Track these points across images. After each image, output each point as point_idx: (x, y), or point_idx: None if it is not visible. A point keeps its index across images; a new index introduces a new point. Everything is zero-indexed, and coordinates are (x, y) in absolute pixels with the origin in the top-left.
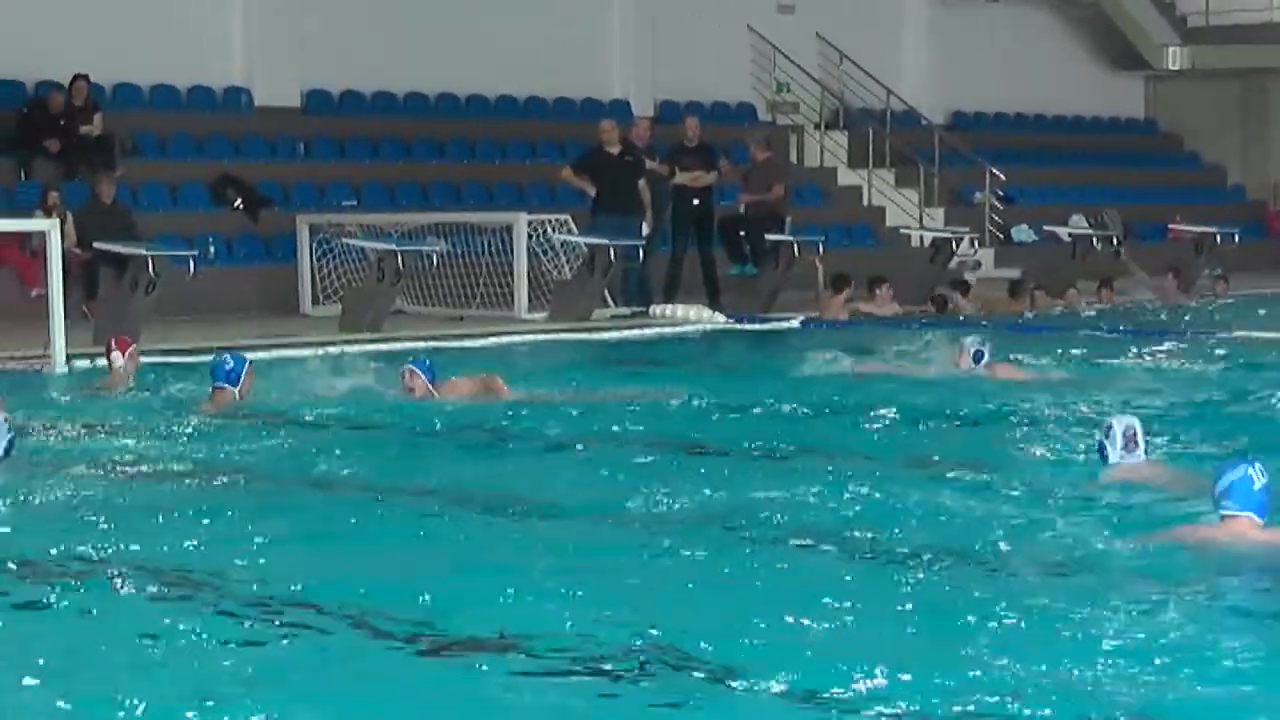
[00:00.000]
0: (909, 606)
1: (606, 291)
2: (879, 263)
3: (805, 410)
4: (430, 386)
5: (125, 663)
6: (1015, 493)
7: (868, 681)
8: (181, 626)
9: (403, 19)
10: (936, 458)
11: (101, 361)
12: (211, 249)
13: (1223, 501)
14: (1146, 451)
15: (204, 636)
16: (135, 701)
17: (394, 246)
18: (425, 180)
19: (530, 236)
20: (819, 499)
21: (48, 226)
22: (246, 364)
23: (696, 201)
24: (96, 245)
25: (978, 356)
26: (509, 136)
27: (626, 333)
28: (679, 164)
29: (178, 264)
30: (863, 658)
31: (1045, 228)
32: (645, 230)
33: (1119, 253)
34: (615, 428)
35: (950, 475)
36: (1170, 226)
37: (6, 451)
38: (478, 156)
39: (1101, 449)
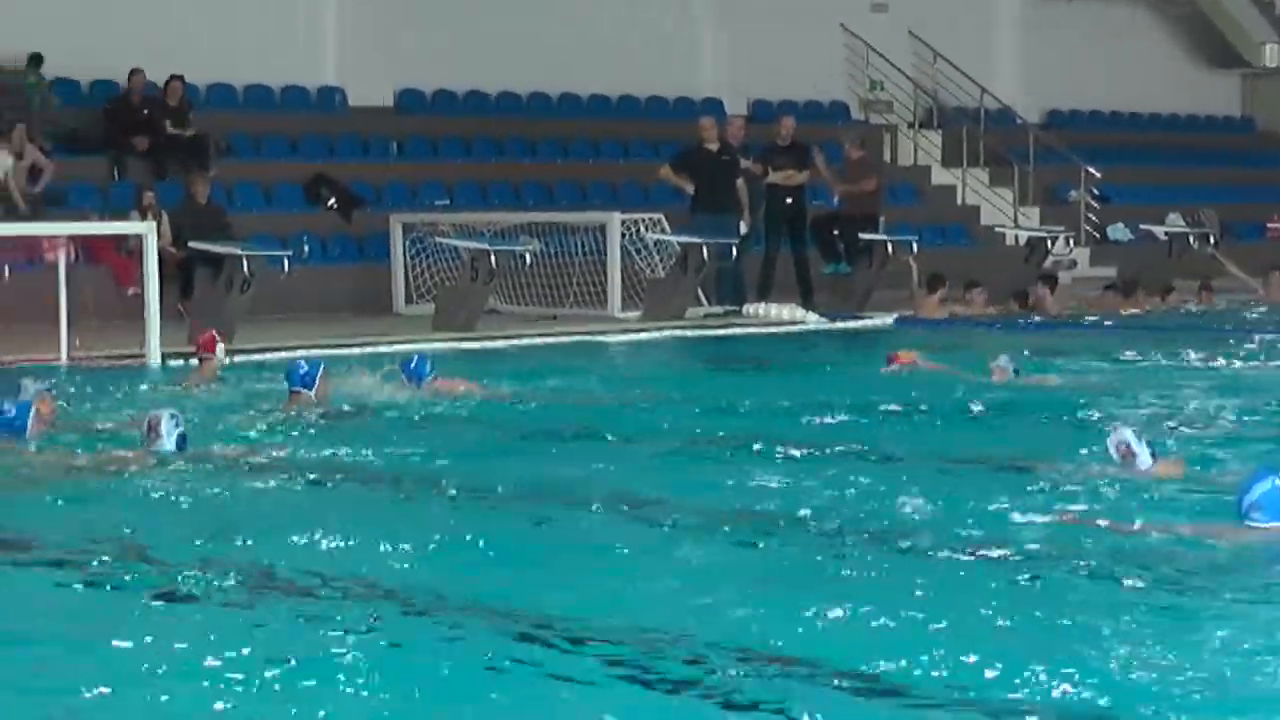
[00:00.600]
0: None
1: (700, 290)
2: (973, 262)
3: (894, 408)
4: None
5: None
6: (1110, 491)
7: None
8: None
9: (495, 18)
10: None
11: (195, 360)
12: (305, 248)
13: (1252, 513)
14: (1154, 453)
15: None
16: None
17: (487, 246)
18: (518, 179)
19: (624, 235)
20: (921, 499)
21: (144, 228)
22: (320, 368)
23: (790, 200)
24: (192, 245)
25: (1015, 374)
26: (602, 135)
27: (719, 331)
28: (772, 163)
29: (272, 263)
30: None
31: (1141, 226)
32: (743, 229)
33: (1215, 252)
34: (703, 427)
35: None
36: (1269, 225)
37: (180, 446)
38: (570, 155)
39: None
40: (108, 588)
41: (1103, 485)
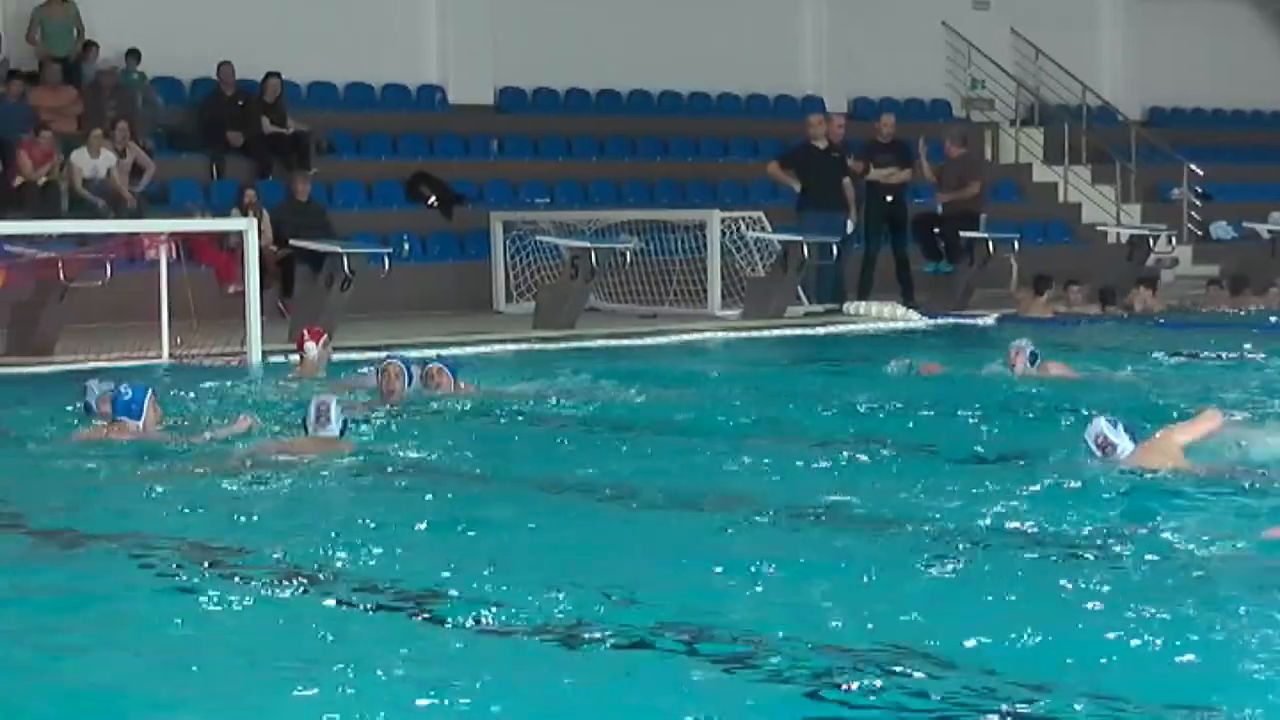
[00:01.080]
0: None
1: (800, 288)
2: (1074, 260)
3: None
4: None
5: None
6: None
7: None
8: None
9: (596, 17)
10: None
11: (295, 357)
12: (406, 246)
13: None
14: (1134, 438)
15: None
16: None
17: (587, 244)
18: (618, 178)
19: (724, 233)
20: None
21: (245, 225)
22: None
23: (890, 199)
24: (292, 243)
25: (1033, 358)
26: (702, 133)
27: (820, 330)
28: (874, 160)
29: (373, 261)
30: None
31: (1244, 224)
32: (849, 227)
33: None
34: (830, 427)
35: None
36: None
37: (342, 433)
38: (670, 154)
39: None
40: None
41: None
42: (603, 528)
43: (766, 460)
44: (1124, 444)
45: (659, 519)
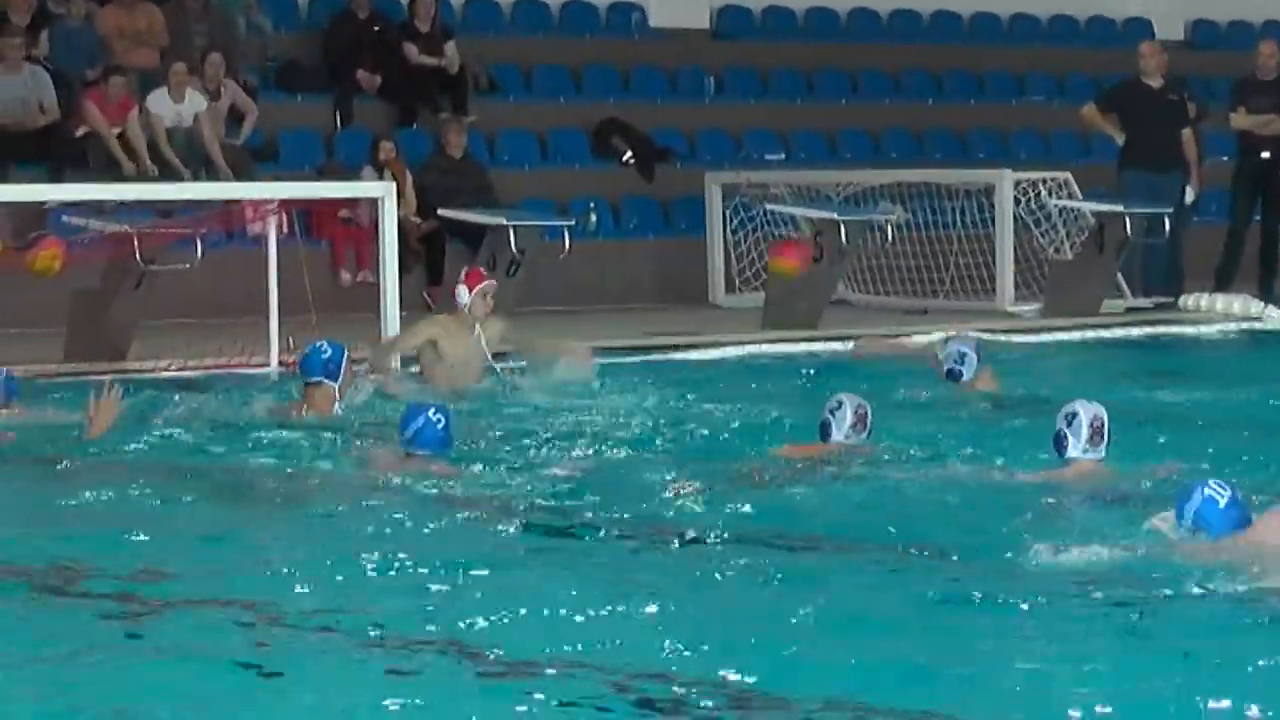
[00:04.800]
0: None
1: (1120, 276)
2: None
3: None
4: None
5: None
6: None
7: None
8: None
9: None
10: None
11: None
12: (593, 217)
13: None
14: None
15: None
16: None
17: (835, 215)
18: (875, 126)
19: (1018, 201)
20: None
21: (381, 189)
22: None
23: (1269, 155)
24: (442, 212)
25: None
26: (986, 66)
27: (1143, 332)
28: (1247, 103)
29: (549, 237)
30: None
31: None
32: (1190, 195)
33: None
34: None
35: None
36: None
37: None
38: (945, 94)
39: (1060, 440)
40: None
41: None
42: None
43: None
44: (1103, 447)
45: None
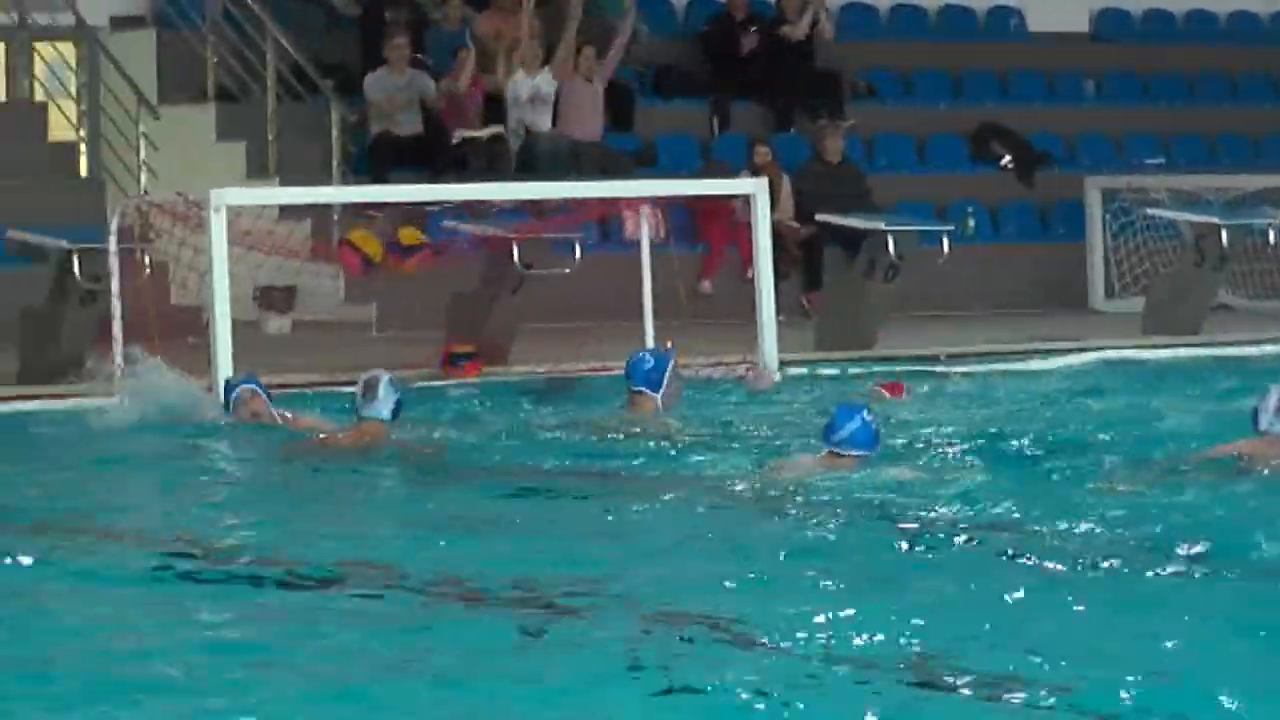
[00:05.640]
0: None
1: None
2: None
3: None
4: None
5: None
6: None
7: None
8: None
9: None
10: None
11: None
12: (971, 222)
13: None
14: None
15: None
16: None
17: (1216, 219)
18: (1258, 130)
19: None
20: None
21: (752, 186)
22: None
23: None
24: (819, 218)
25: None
26: None
27: None
28: None
29: (927, 242)
30: None
31: None
32: None
33: None
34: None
35: None
36: None
37: (394, 414)
38: None
39: (1255, 415)
40: None
41: None
42: None
43: None
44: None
45: None
